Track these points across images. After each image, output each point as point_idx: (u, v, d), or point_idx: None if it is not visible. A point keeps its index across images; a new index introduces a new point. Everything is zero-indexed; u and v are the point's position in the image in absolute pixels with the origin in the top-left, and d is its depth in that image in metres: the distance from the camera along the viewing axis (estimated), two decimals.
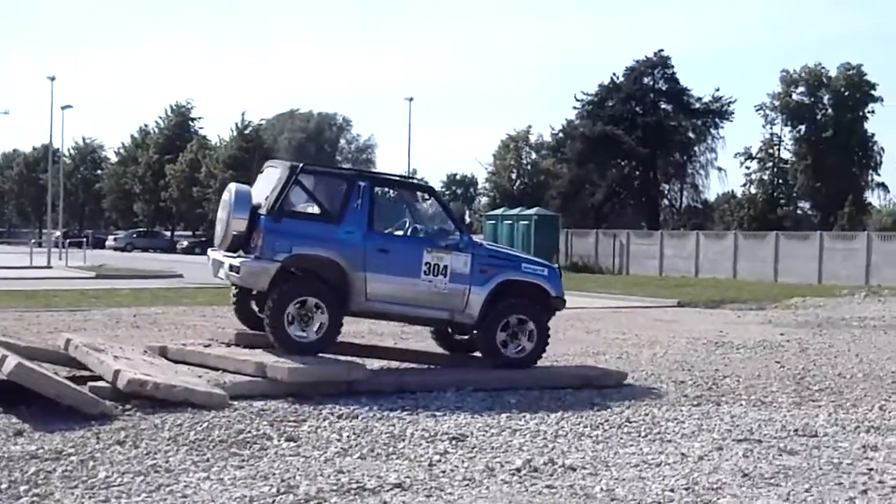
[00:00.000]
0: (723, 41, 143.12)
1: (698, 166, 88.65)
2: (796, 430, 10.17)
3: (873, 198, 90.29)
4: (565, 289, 13.88)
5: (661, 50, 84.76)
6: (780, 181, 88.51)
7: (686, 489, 7.74)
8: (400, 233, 13.29)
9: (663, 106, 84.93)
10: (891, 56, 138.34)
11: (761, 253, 49.33)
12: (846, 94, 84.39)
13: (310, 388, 11.28)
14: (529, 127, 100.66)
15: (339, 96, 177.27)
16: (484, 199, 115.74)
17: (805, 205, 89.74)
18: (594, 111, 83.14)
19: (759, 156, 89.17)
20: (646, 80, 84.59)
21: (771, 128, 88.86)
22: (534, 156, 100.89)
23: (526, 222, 55.34)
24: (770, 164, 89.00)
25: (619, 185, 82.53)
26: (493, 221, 58.89)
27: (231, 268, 12.35)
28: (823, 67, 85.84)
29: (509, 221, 56.79)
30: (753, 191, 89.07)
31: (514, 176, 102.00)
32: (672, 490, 7.70)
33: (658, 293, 33.85)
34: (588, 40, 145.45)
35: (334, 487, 7.56)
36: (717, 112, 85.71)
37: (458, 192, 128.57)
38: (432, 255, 12.83)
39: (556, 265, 14.74)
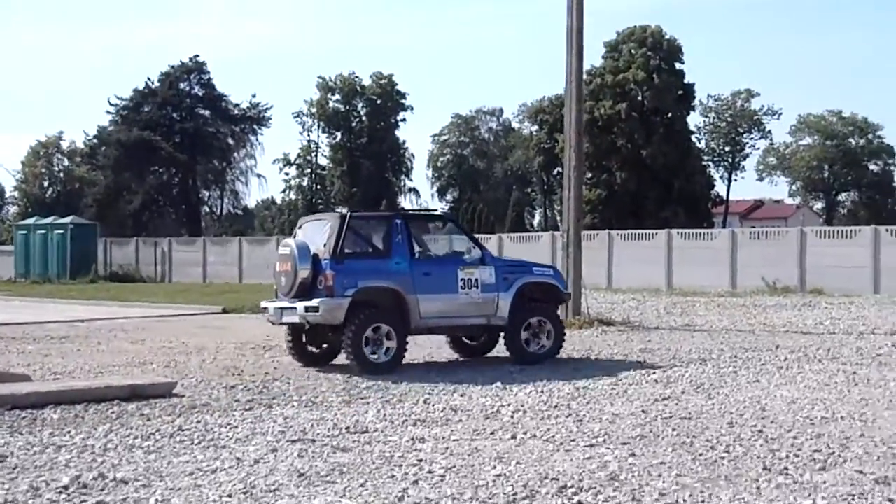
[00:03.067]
0: (258, 48, 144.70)
1: (238, 173, 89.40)
2: (348, 428, 10.32)
3: (406, 202, 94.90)
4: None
5: (197, 56, 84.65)
6: (319, 187, 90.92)
7: (244, 493, 7.61)
8: (435, 256, 15.80)
9: (201, 112, 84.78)
10: (419, 66, 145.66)
11: None
12: (379, 102, 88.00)
13: None
14: (61, 133, 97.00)
15: None
16: (13, 209, 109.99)
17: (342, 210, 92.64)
18: (130, 116, 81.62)
19: (297, 162, 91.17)
20: (182, 85, 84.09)
21: (309, 134, 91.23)
22: (66, 162, 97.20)
23: (61, 231, 53.11)
24: (308, 170, 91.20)
25: (158, 192, 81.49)
26: (24, 232, 56.07)
27: (307, 309, 14.34)
28: (357, 76, 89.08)
29: (42, 231, 54.29)
30: (293, 196, 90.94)
31: (45, 184, 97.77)
32: (230, 495, 7.54)
33: (203, 300, 33.47)
34: (121, 44, 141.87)
35: None
36: (254, 119, 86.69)
37: None
38: (465, 271, 15.22)
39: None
